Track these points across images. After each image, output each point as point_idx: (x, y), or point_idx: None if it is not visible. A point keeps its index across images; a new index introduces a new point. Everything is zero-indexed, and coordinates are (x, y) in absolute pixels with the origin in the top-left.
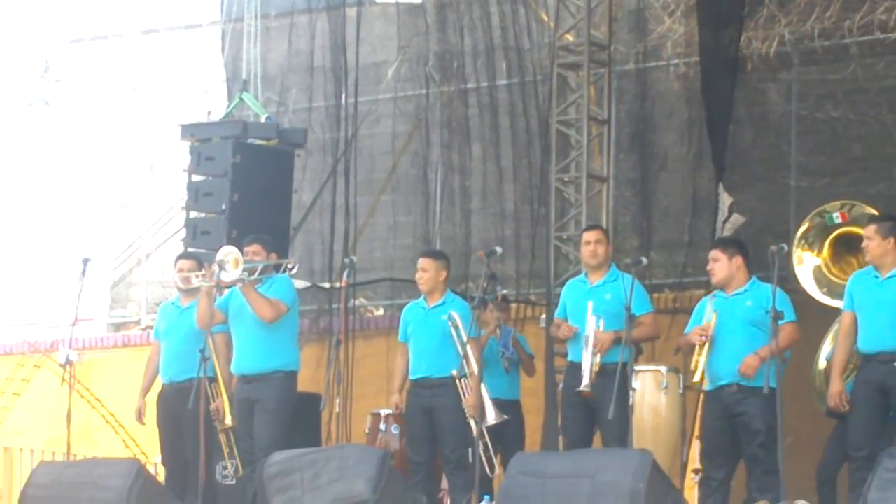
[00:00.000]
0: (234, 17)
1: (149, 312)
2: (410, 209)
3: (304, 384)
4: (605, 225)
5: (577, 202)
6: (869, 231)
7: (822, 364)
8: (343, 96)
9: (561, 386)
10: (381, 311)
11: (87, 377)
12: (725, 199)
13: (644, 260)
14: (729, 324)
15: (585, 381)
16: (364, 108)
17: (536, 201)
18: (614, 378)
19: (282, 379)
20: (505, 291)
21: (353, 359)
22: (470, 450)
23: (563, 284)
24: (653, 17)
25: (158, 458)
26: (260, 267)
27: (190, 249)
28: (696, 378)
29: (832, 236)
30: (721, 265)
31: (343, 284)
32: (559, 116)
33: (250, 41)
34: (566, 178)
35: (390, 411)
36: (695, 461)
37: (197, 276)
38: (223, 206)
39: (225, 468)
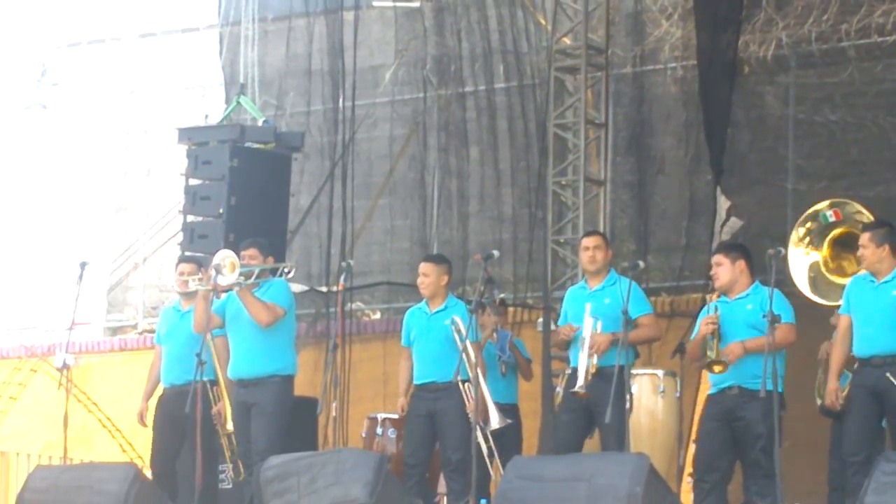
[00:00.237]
0: (231, 21)
1: (146, 316)
2: (408, 213)
3: (301, 388)
4: (602, 228)
5: (575, 206)
6: (863, 239)
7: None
8: (340, 100)
9: (558, 389)
10: (378, 315)
11: (84, 381)
12: (723, 203)
13: (641, 263)
14: (731, 327)
15: (580, 382)
16: (361, 111)
17: (534, 205)
18: (612, 381)
19: (278, 383)
20: (503, 295)
21: (350, 362)
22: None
23: (560, 288)
24: (650, 20)
25: None
26: (256, 271)
27: (189, 253)
28: (713, 355)
29: (831, 236)
30: (724, 269)
31: (340, 288)
32: (556, 120)
33: (248, 45)
34: (563, 182)
35: (387, 415)
36: (691, 465)
37: (194, 280)
38: (220, 210)
39: (222, 472)
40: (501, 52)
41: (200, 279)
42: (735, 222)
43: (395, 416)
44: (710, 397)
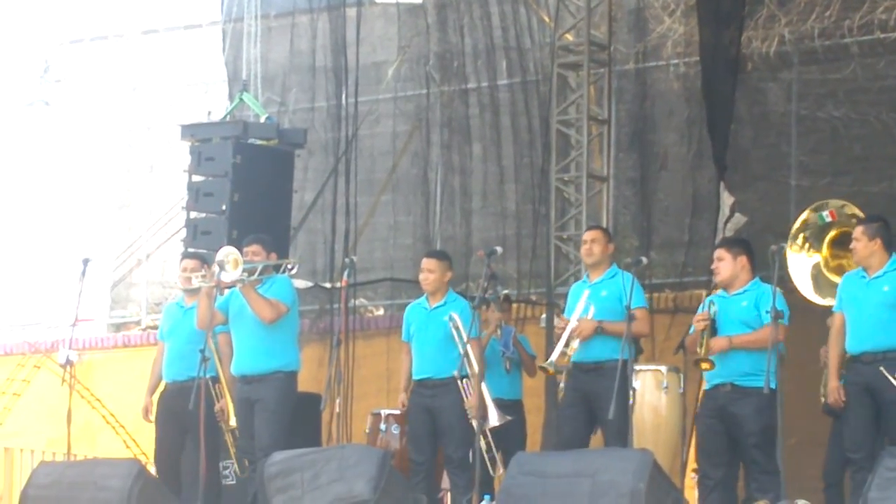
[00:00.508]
0: (234, 18)
1: (149, 313)
2: (411, 209)
3: (304, 384)
4: (605, 225)
5: (578, 202)
6: (857, 232)
7: None
8: (343, 96)
9: (562, 385)
10: (381, 311)
11: (87, 377)
12: (727, 199)
13: (644, 260)
14: (725, 323)
15: (552, 358)
16: (364, 108)
17: (537, 201)
18: (614, 377)
19: (282, 379)
20: (507, 291)
21: (354, 359)
22: (471, 450)
23: (563, 284)
24: (652, 16)
25: None
26: (259, 267)
27: (192, 249)
28: (702, 352)
29: (829, 237)
30: (726, 264)
31: (343, 284)
32: (559, 116)
33: (250, 41)
34: (566, 178)
35: (391, 411)
36: (695, 460)
37: (197, 277)
38: (223, 207)
39: (226, 468)
40: (504, 48)
41: (204, 276)
42: (739, 218)
43: (399, 412)
44: (705, 393)
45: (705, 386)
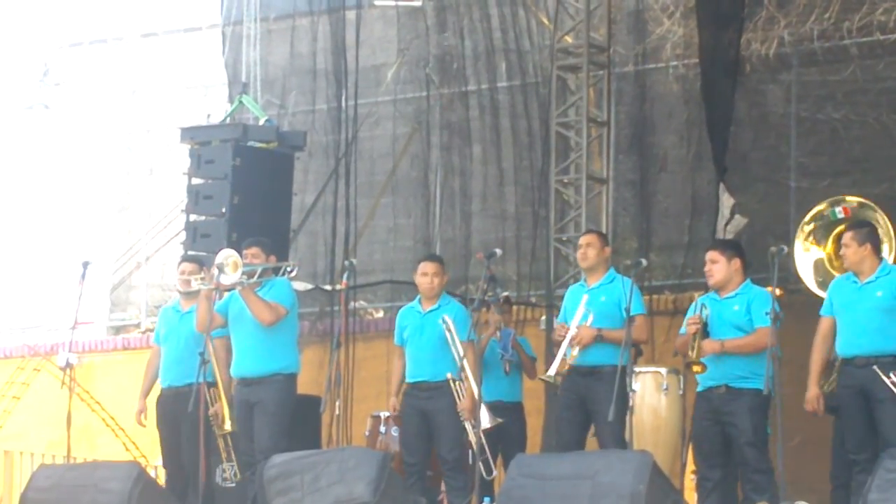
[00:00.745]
0: (233, 20)
1: (149, 315)
2: (410, 211)
3: (304, 386)
4: (604, 227)
5: (577, 204)
6: (846, 238)
7: None
8: (343, 99)
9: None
10: (381, 314)
11: (87, 380)
12: (727, 201)
13: (644, 261)
14: (717, 326)
15: (552, 370)
16: (364, 110)
17: (536, 203)
18: (607, 380)
19: (281, 381)
20: (507, 293)
21: (354, 361)
22: (470, 452)
23: (563, 286)
24: (652, 18)
25: (159, 460)
26: (259, 270)
27: (192, 252)
28: (693, 356)
29: (835, 233)
30: (720, 267)
31: (343, 286)
32: (558, 118)
33: (250, 44)
34: (566, 180)
35: (390, 413)
36: (694, 462)
37: (196, 280)
38: (223, 209)
39: (224, 471)
40: (504, 50)
41: (203, 278)
42: (739, 220)
43: (396, 415)
44: (698, 395)
45: (698, 387)
